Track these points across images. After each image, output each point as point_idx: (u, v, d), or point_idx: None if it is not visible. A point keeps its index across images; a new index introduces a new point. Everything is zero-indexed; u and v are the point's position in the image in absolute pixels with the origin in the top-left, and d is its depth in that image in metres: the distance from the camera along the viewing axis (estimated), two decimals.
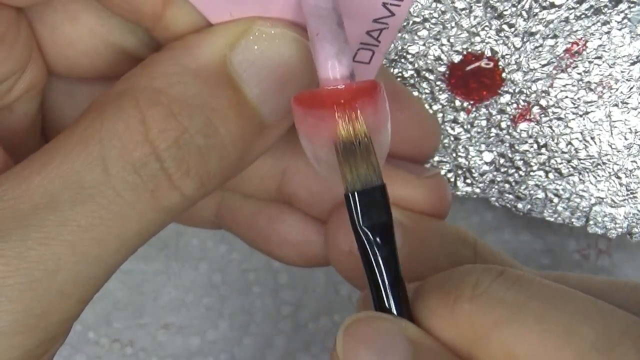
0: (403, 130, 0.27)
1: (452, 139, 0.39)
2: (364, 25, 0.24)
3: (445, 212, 0.28)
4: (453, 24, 0.38)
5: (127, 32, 0.26)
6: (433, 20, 0.38)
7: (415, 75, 0.38)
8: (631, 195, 0.38)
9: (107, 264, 0.23)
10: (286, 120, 0.24)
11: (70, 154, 0.22)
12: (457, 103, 0.39)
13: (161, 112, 0.22)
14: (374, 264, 0.22)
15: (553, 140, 0.38)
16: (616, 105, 0.38)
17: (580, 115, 0.38)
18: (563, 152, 0.39)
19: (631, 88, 0.38)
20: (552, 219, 0.39)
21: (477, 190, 0.39)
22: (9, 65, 0.24)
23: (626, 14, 0.37)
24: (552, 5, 0.37)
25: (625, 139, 0.38)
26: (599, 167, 0.38)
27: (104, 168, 0.22)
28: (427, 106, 0.39)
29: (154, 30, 0.24)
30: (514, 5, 0.37)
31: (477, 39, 0.38)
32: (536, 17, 0.37)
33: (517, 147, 0.39)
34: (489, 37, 0.38)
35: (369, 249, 0.22)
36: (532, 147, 0.39)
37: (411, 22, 0.38)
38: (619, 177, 0.38)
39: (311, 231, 0.29)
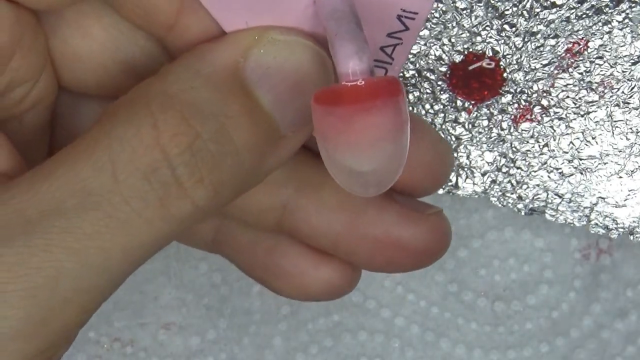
0: (418, 156, 0.27)
1: (454, 139, 0.39)
2: (379, 40, 0.23)
3: (443, 252, 0.28)
4: (454, 23, 0.38)
5: (137, 50, 0.25)
6: (434, 20, 0.38)
7: (416, 75, 0.38)
8: (632, 196, 0.38)
9: (111, 274, 0.22)
10: (302, 132, 0.24)
11: (79, 160, 0.22)
12: (459, 103, 0.39)
13: (174, 116, 0.22)
14: None
15: (554, 140, 0.38)
16: (617, 105, 0.38)
17: (582, 115, 0.38)
18: (564, 152, 0.38)
19: (632, 88, 0.38)
20: (553, 219, 0.39)
21: (479, 190, 0.39)
22: (23, 72, 0.24)
23: (627, 14, 0.37)
24: (553, 4, 0.37)
25: (627, 139, 0.38)
26: (600, 167, 0.38)
27: (113, 173, 0.22)
28: (428, 106, 0.39)
29: (166, 39, 0.24)
30: (515, 5, 0.37)
31: (479, 38, 0.38)
32: (537, 16, 0.37)
33: (518, 147, 0.39)
34: (490, 37, 0.38)
35: None
36: (533, 147, 0.39)
37: None
38: (620, 177, 0.38)
39: (310, 265, 0.28)
